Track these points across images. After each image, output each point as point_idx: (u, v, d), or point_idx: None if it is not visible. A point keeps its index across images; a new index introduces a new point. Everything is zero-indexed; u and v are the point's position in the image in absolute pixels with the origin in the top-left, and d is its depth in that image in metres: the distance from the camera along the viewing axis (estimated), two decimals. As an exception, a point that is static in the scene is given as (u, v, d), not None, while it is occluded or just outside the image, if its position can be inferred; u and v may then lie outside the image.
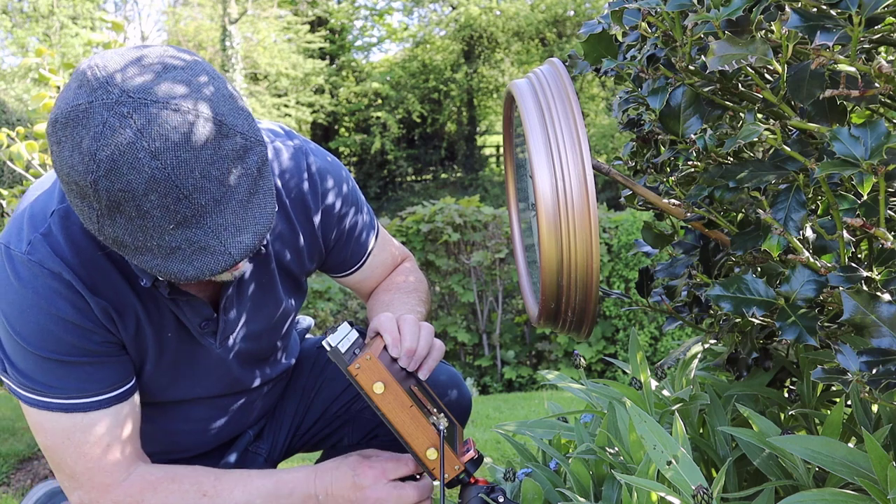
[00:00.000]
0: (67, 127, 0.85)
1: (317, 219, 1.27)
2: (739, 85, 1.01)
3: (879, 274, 0.91)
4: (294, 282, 1.32)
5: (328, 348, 1.10)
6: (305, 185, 1.24)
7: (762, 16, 0.85)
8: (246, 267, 1.18)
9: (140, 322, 1.12)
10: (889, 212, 0.92)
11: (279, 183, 1.22)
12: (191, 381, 1.24)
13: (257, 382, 1.35)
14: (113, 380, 1.11)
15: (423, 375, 1.17)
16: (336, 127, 19.07)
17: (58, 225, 1.04)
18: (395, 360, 1.17)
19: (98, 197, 0.85)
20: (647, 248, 1.36)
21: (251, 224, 0.90)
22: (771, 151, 0.96)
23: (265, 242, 1.17)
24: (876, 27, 0.85)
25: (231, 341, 1.24)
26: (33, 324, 1.03)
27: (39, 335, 1.04)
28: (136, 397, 1.16)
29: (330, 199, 1.29)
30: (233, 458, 1.39)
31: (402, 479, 1.17)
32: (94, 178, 0.83)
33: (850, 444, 0.99)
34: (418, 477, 1.20)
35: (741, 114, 1.01)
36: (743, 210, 1.14)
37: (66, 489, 1.14)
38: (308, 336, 1.61)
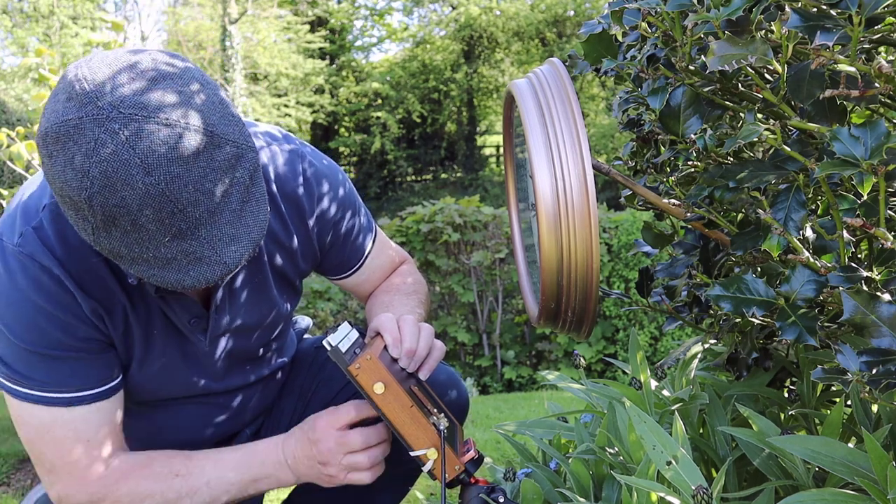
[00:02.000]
0: (58, 142, 0.85)
1: (311, 221, 1.27)
2: (739, 85, 1.01)
3: (879, 274, 0.91)
4: (288, 283, 1.32)
5: (328, 348, 1.10)
6: (300, 189, 1.24)
7: (762, 16, 0.85)
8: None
9: (128, 320, 1.12)
10: (889, 212, 0.92)
11: (274, 187, 1.22)
12: (180, 378, 1.24)
13: (249, 380, 1.35)
14: (97, 376, 1.11)
15: (423, 376, 1.17)
16: (336, 127, 19.07)
17: (48, 220, 1.05)
18: (395, 360, 1.17)
19: (93, 212, 0.85)
20: (647, 248, 1.36)
21: (245, 233, 0.92)
22: (771, 151, 0.96)
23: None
24: (876, 27, 0.85)
25: (221, 339, 1.24)
26: (20, 315, 1.04)
27: (25, 327, 1.04)
28: (120, 394, 1.16)
29: (325, 202, 1.29)
30: None
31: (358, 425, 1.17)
32: (88, 194, 0.84)
33: (850, 444, 0.99)
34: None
35: (741, 114, 1.01)
36: (743, 210, 1.14)
37: (45, 483, 1.14)
38: (307, 336, 1.61)
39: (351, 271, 1.41)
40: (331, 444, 1.15)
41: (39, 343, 1.05)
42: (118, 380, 1.15)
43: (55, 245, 1.04)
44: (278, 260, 1.26)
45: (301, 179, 1.24)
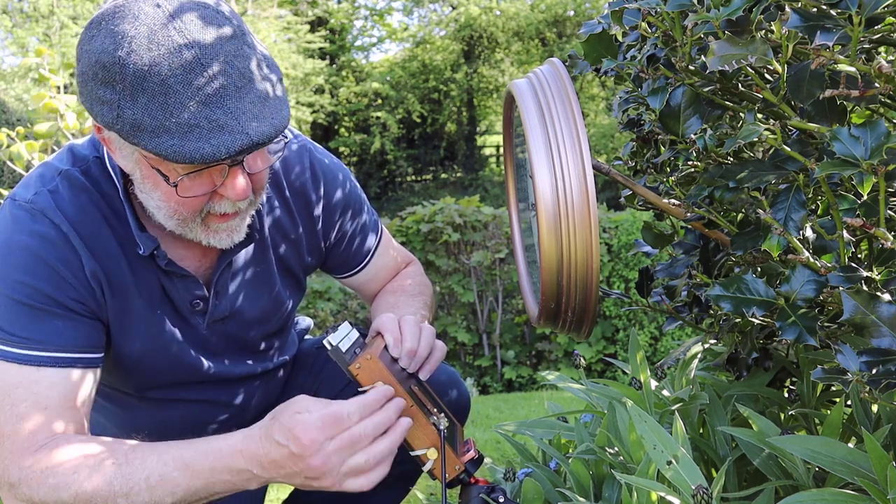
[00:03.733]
0: (103, 21, 0.92)
1: (317, 213, 1.29)
2: (739, 85, 1.01)
3: (879, 274, 0.91)
4: (292, 277, 1.32)
5: (329, 347, 1.10)
6: (308, 181, 1.26)
7: (762, 16, 0.85)
8: (242, 255, 1.21)
9: (130, 294, 1.11)
10: (889, 212, 0.92)
11: (282, 178, 1.24)
12: (178, 363, 1.23)
13: (250, 372, 1.35)
14: (78, 341, 1.06)
15: (423, 376, 1.16)
16: (336, 127, 19.07)
17: (65, 185, 1.08)
18: (395, 360, 1.18)
19: (123, 75, 0.89)
20: (647, 248, 1.36)
21: (268, 117, 0.94)
22: (771, 151, 0.96)
23: (264, 228, 1.21)
24: (876, 27, 0.85)
25: (220, 325, 1.24)
26: (17, 263, 1.03)
27: (19, 276, 1.03)
28: (95, 374, 1.09)
29: (331, 197, 1.30)
30: None
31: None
32: (124, 52, 0.89)
33: (850, 444, 0.99)
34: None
35: (741, 114, 1.01)
36: (743, 210, 1.14)
37: None
38: (307, 337, 1.62)
39: (356, 269, 1.41)
40: (333, 461, 0.96)
41: (31, 294, 1.03)
42: (97, 355, 1.09)
43: (68, 207, 1.06)
44: (283, 250, 1.27)
45: (309, 174, 1.26)
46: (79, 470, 0.98)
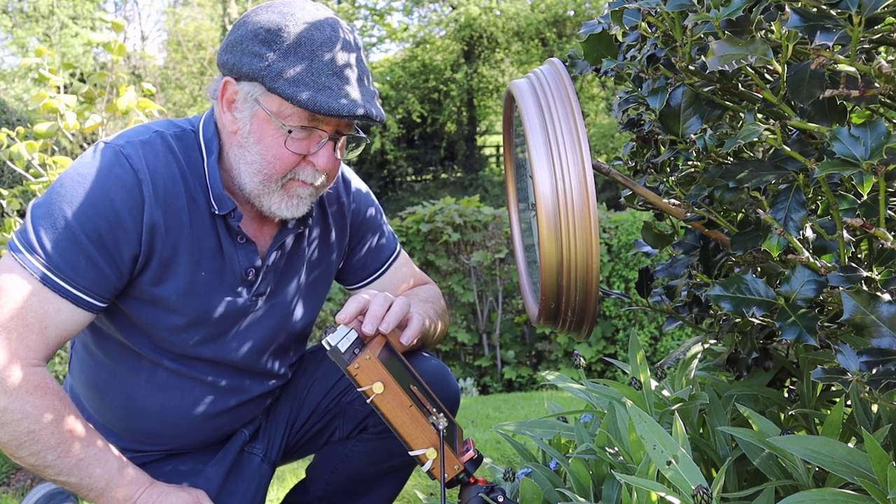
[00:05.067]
0: (273, 5, 1.18)
1: (348, 216, 1.45)
2: (739, 85, 1.01)
3: (879, 274, 0.91)
4: (324, 278, 1.44)
5: (328, 347, 1.10)
6: (341, 187, 1.44)
7: (762, 16, 0.85)
8: (289, 241, 1.33)
9: (181, 246, 1.21)
10: (889, 212, 0.92)
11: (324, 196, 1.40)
12: (207, 329, 1.28)
13: (262, 367, 1.39)
14: (97, 288, 1.17)
15: (383, 328, 1.19)
16: (336, 127, 19.05)
17: (156, 140, 1.22)
18: (395, 360, 1.18)
19: (284, 39, 1.14)
20: (647, 248, 1.36)
21: (375, 107, 1.19)
22: (771, 151, 0.96)
23: (309, 226, 1.37)
24: (876, 27, 0.85)
25: (262, 300, 1.33)
26: (87, 193, 1.14)
27: (84, 204, 1.14)
28: (90, 318, 1.19)
29: (359, 202, 1.47)
30: (229, 458, 1.39)
31: None
32: (289, 24, 1.15)
33: (850, 444, 0.99)
34: None
35: (741, 114, 1.01)
36: (743, 210, 1.14)
37: None
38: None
39: (371, 277, 1.51)
40: None
41: (85, 230, 1.13)
42: (103, 305, 1.19)
43: (152, 159, 1.19)
44: (319, 251, 1.41)
45: (340, 180, 1.44)
46: (48, 416, 1.13)
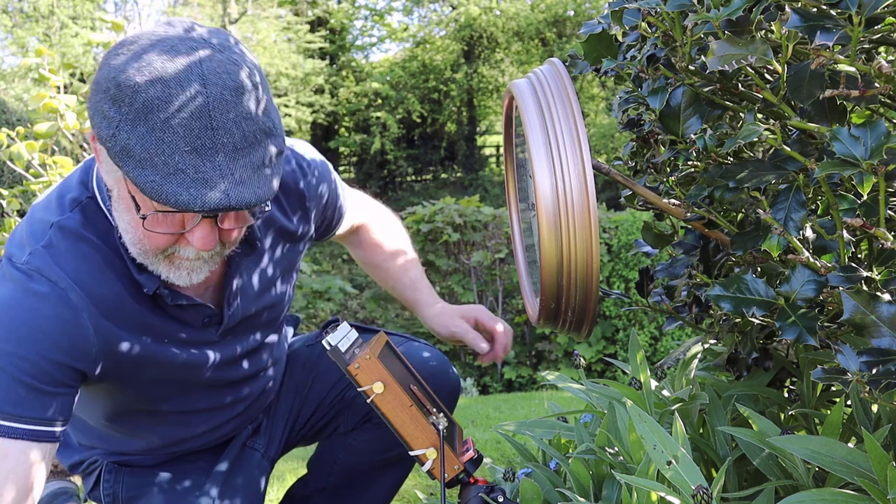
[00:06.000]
0: (137, 42, 0.93)
1: (308, 204, 1.33)
2: (739, 85, 1.01)
3: (879, 274, 0.91)
4: (290, 270, 1.37)
5: (328, 347, 1.10)
6: (297, 173, 1.30)
7: (762, 16, 0.85)
8: (247, 262, 1.22)
9: (139, 330, 1.12)
10: (889, 212, 0.92)
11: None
12: (191, 375, 1.24)
13: (252, 370, 1.36)
14: (57, 415, 1.04)
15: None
16: (336, 127, 19.06)
17: (58, 236, 1.06)
18: (395, 359, 1.18)
19: (133, 100, 0.90)
20: (647, 248, 1.36)
21: (254, 186, 0.94)
22: (771, 151, 0.96)
23: (257, 231, 1.21)
24: (876, 27, 0.84)
25: (231, 331, 1.26)
26: (14, 334, 1.01)
27: (15, 347, 1.00)
28: (54, 449, 1.07)
29: (316, 185, 1.35)
30: (232, 453, 1.40)
31: None
32: (140, 79, 0.90)
33: (850, 444, 0.99)
34: None
35: (741, 114, 1.01)
36: (743, 210, 1.14)
37: None
38: (296, 336, 1.63)
39: (328, 236, 1.51)
40: None
41: (26, 369, 1.00)
42: (65, 428, 1.08)
43: (66, 260, 1.05)
44: (282, 247, 1.31)
45: (295, 164, 1.31)
46: None
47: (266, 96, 0.98)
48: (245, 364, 1.34)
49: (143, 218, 0.98)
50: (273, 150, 0.97)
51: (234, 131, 0.92)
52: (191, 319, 1.18)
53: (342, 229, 1.51)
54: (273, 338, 1.40)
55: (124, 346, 1.10)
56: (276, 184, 0.98)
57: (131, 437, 1.34)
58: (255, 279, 1.26)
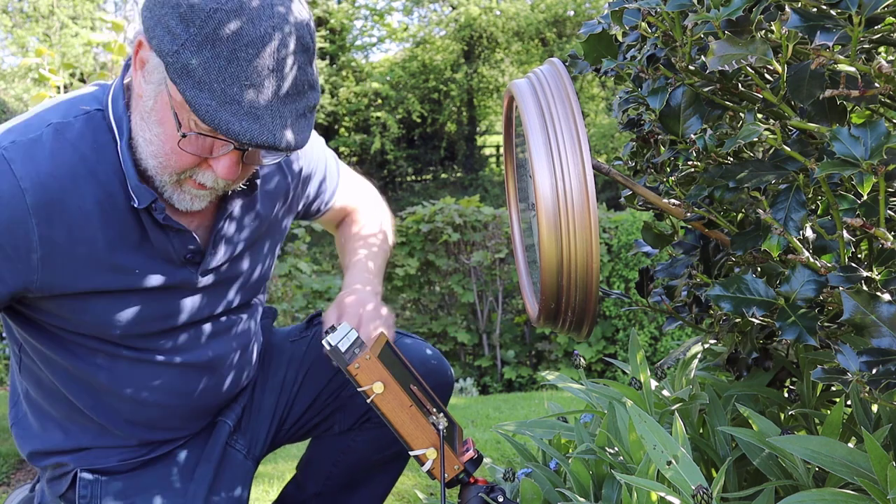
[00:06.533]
0: None
1: (298, 167, 1.36)
2: (739, 85, 1.01)
3: (879, 274, 0.91)
4: (278, 233, 1.37)
5: (328, 347, 1.10)
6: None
7: (762, 16, 0.85)
8: (238, 205, 1.22)
9: (96, 248, 1.09)
10: (889, 212, 0.92)
11: None
12: (159, 308, 1.20)
13: (223, 328, 1.32)
14: None
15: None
16: (336, 127, 19.06)
17: (49, 136, 1.05)
18: (395, 359, 1.18)
19: (204, 24, 0.93)
20: (647, 248, 1.36)
21: (296, 132, 1.01)
22: (771, 151, 0.96)
23: (258, 172, 1.22)
24: (876, 27, 0.85)
25: (212, 274, 1.24)
26: None
27: None
28: None
29: (310, 150, 1.38)
30: (215, 456, 1.33)
31: None
32: (216, 6, 0.93)
33: (850, 444, 0.99)
34: None
35: (741, 114, 1.01)
36: (743, 210, 1.14)
37: None
38: (277, 328, 1.58)
39: (317, 216, 1.52)
40: None
41: None
42: None
43: (42, 162, 1.03)
44: (272, 206, 1.32)
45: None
46: None
47: (315, 52, 1.03)
48: (217, 318, 1.30)
49: (183, 136, 1.01)
50: (313, 102, 1.04)
51: (290, 78, 0.98)
52: (172, 248, 1.15)
53: (329, 214, 1.53)
54: (244, 317, 1.36)
55: (77, 263, 1.08)
56: (310, 134, 1.04)
57: (93, 419, 1.25)
58: (244, 231, 1.26)
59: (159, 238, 1.14)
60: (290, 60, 0.98)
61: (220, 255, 1.23)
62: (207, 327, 1.29)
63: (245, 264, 1.30)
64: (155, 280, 1.17)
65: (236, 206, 1.22)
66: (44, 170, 1.03)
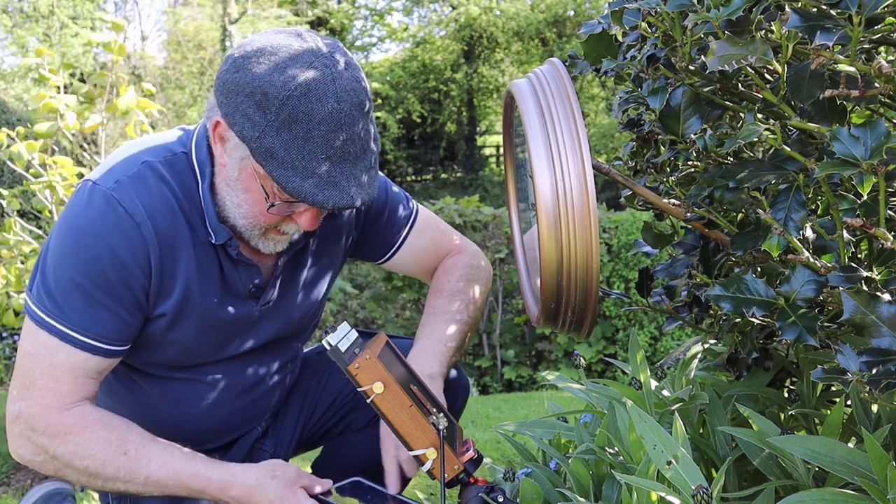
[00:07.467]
0: (275, 55, 1.07)
1: (361, 221, 1.42)
2: (739, 85, 1.01)
3: (879, 274, 0.91)
4: (332, 270, 1.43)
5: (328, 347, 1.10)
6: None
7: (762, 16, 0.85)
8: (298, 239, 1.29)
9: (191, 281, 1.21)
10: (889, 212, 0.92)
11: None
12: (225, 340, 1.30)
13: (274, 337, 1.39)
14: (115, 336, 1.17)
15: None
16: (336, 127, 19.04)
17: (147, 174, 1.17)
18: (396, 360, 1.18)
19: (279, 110, 1.05)
20: (647, 248, 1.36)
21: (367, 187, 1.13)
22: (771, 151, 0.96)
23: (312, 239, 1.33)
24: (876, 27, 0.85)
25: (269, 308, 1.33)
26: (87, 247, 1.13)
27: (86, 259, 1.12)
28: (117, 360, 1.22)
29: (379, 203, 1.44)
30: (241, 453, 1.42)
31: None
32: (286, 94, 1.05)
33: (850, 444, 0.99)
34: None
35: (741, 114, 1.01)
36: (743, 210, 1.14)
37: (13, 397, 1.19)
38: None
39: (386, 257, 1.50)
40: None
41: (91, 278, 1.13)
42: (124, 348, 1.21)
43: (146, 196, 1.15)
44: (329, 244, 1.39)
45: None
46: (95, 447, 1.16)
47: (371, 107, 1.13)
48: (266, 352, 1.38)
49: (272, 205, 1.14)
50: (376, 154, 1.15)
51: (356, 142, 1.09)
52: (241, 282, 1.26)
53: (400, 260, 1.51)
54: (294, 344, 1.44)
55: (177, 291, 1.20)
56: (378, 183, 1.16)
57: (146, 425, 1.31)
58: (303, 267, 1.35)
59: (232, 272, 1.25)
60: (354, 126, 1.08)
61: (279, 288, 1.33)
62: (258, 354, 1.38)
63: (300, 297, 1.38)
64: (227, 312, 1.27)
65: (298, 243, 1.31)
66: (148, 205, 1.15)
